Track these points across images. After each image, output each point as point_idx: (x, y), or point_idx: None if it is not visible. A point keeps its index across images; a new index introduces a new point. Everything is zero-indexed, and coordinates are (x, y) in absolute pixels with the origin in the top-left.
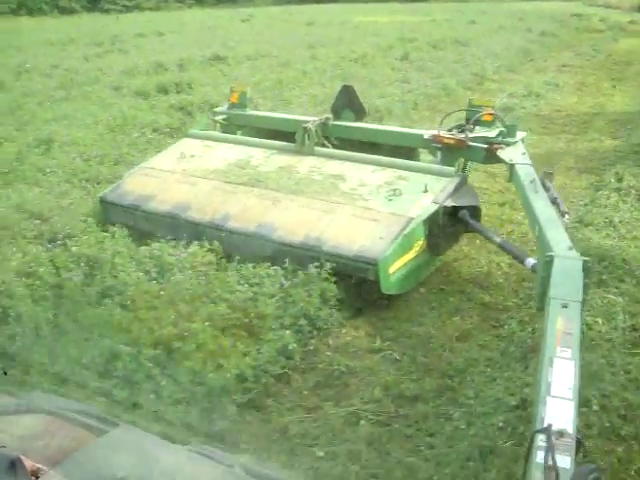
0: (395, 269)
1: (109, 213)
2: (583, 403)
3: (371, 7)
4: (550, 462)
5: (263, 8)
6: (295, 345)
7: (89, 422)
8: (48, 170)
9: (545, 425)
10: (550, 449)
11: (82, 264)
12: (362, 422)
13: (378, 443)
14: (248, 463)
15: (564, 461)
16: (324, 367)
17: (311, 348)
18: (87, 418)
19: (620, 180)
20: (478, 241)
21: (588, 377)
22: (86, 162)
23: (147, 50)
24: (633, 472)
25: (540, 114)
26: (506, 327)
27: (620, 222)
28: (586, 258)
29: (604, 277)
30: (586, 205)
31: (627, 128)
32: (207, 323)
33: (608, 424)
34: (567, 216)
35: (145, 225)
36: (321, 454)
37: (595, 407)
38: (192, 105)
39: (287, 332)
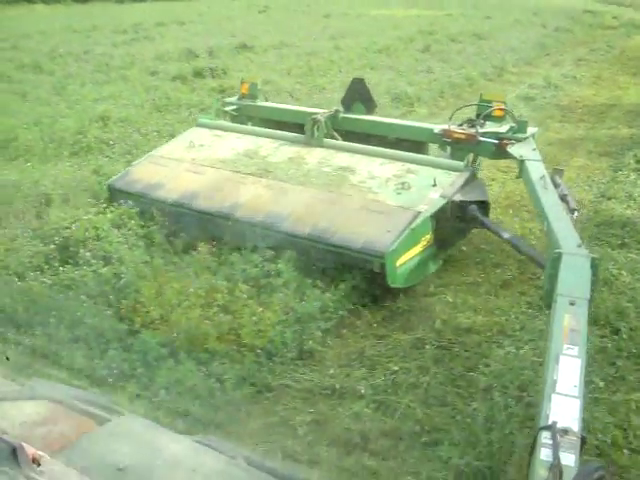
0: (402, 262)
1: (117, 200)
2: (614, 331)
3: (384, 0)
4: (554, 459)
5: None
6: (364, 286)
7: (92, 410)
8: (111, 142)
9: (550, 422)
10: (555, 446)
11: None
12: (427, 346)
13: (442, 362)
14: (250, 455)
15: (568, 459)
16: (388, 305)
17: (376, 291)
18: (90, 406)
19: (638, 162)
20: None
21: (617, 314)
22: (144, 136)
23: (172, 38)
24: None
25: (560, 104)
26: (541, 278)
27: (639, 196)
28: (595, 255)
29: (626, 240)
30: (608, 182)
31: None
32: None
33: (635, 350)
34: (576, 213)
35: (153, 213)
36: (396, 368)
37: (624, 335)
38: (233, 88)
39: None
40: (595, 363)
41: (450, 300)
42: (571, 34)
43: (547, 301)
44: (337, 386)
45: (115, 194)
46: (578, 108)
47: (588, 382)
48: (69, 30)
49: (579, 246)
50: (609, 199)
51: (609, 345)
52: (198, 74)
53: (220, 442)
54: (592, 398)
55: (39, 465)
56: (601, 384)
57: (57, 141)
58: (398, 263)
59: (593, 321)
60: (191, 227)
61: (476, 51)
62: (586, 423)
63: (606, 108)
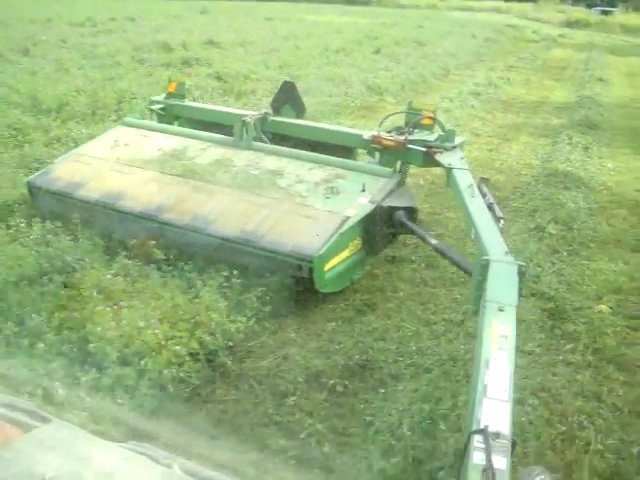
0: (330, 267)
1: (37, 198)
2: (569, 228)
3: (315, 7)
4: (487, 463)
5: (213, 2)
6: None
7: (17, 417)
8: None
9: (482, 426)
10: (487, 450)
11: None
12: None
13: None
14: (187, 462)
15: (500, 462)
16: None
17: None
18: (14, 412)
19: (570, 139)
20: None
21: (570, 219)
22: None
23: (133, 33)
24: None
25: (500, 99)
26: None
27: (574, 159)
28: (521, 263)
29: (568, 185)
30: (549, 152)
31: (568, 112)
32: None
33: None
34: (502, 221)
35: (75, 213)
36: None
37: (575, 229)
38: (227, 75)
39: None
40: (560, 245)
41: None
42: (499, 44)
43: (475, 307)
44: None
45: (35, 192)
46: (516, 103)
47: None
48: (25, 20)
49: (506, 254)
50: (552, 161)
51: (567, 235)
52: (186, 63)
53: (155, 450)
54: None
55: None
56: (565, 253)
57: (102, 107)
58: (326, 267)
59: (560, 221)
60: (115, 228)
61: (421, 55)
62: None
63: (538, 104)
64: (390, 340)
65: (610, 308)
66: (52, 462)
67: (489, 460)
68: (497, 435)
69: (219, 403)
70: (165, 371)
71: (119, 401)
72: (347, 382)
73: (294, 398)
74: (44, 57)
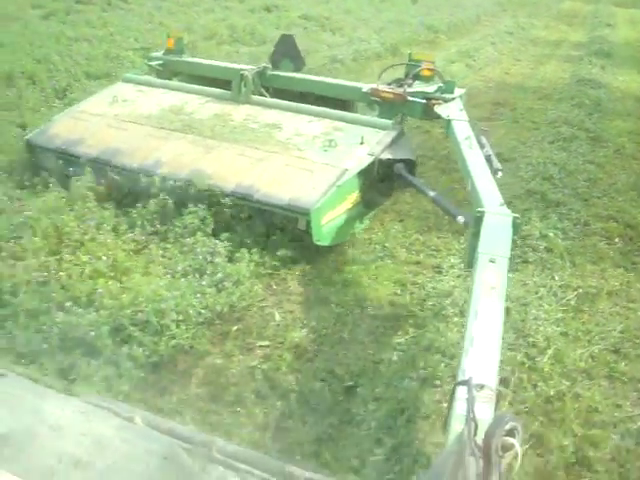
0: (328, 220)
1: (36, 156)
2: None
3: None
4: (470, 413)
5: None
6: None
7: None
8: None
9: (467, 378)
10: (470, 401)
11: None
12: None
13: None
14: (149, 415)
15: (484, 413)
16: None
17: None
18: None
19: (590, 62)
20: None
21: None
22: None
23: None
24: None
25: (528, 38)
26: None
27: (594, 73)
28: (516, 215)
29: (592, 86)
30: (575, 70)
31: (585, 47)
32: None
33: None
34: (500, 173)
35: (74, 170)
36: None
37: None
38: (313, 18)
39: None
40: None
41: None
42: None
43: (469, 259)
44: None
45: (34, 150)
46: (541, 41)
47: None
48: None
49: (501, 205)
50: (578, 73)
51: (596, 107)
52: (267, 9)
53: (116, 403)
54: None
55: None
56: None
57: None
58: (324, 221)
59: (590, 102)
60: (114, 183)
61: (454, 4)
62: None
63: (559, 42)
64: None
65: None
66: (5, 417)
67: (471, 410)
68: (482, 386)
69: None
70: None
71: None
72: None
73: None
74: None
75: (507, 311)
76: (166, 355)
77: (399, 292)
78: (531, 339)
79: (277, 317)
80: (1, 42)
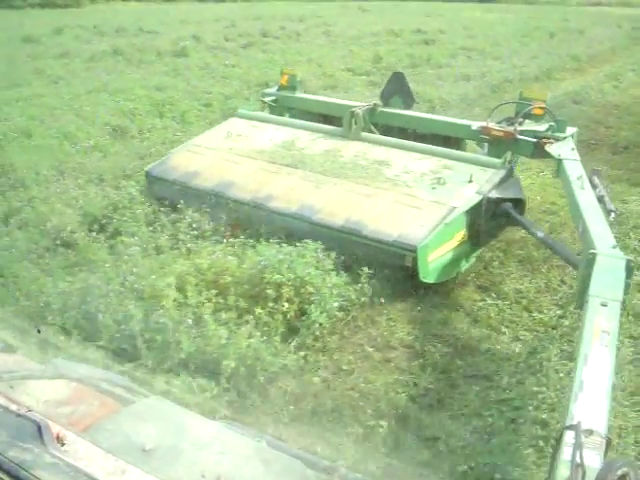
0: (434, 257)
1: (154, 187)
2: None
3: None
4: (578, 460)
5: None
6: None
7: (116, 391)
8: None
9: (575, 422)
10: (578, 446)
11: None
12: None
13: None
14: (274, 440)
15: (593, 459)
16: None
17: None
18: (114, 387)
19: None
20: None
21: None
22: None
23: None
24: None
25: None
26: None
27: None
28: (629, 257)
29: None
30: None
31: None
32: None
33: None
34: (613, 214)
35: (190, 201)
36: None
37: None
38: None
39: None
40: None
41: None
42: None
43: (579, 302)
44: None
45: (152, 181)
46: None
47: None
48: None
49: (614, 247)
50: None
51: None
52: (425, 43)
53: (244, 427)
54: None
55: (63, 444)
56: None
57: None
58: (430, 258)
59: None
60: (226, 216)
61: (586, 40)
62: None
63: None
64: None
65: None
66: (151, 434)
67: (580, 456)
68: (591, 432)
69: None
70: None
71: None
72: None
73: None
74: (311, 42)
75: None
76: None
77: None
78: None
79: None
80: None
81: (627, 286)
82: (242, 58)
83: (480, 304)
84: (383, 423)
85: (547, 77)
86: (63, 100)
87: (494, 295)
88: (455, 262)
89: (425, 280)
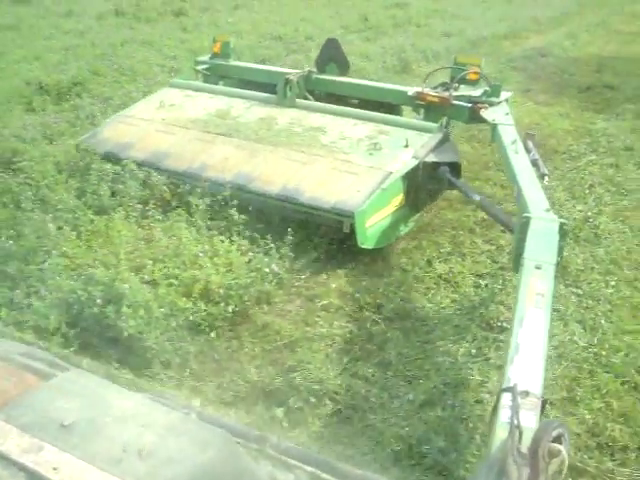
0: (372, 223)
1: (85, 160)
2: None
3: None
4: (515, 421)
5: None
6: None
7: (36, 365)
8: None
9: (511, 385)
10: (515, 408)
11: None
12: None
13: None
14: (204, 412)
15: (529, 420)
16: None
17: None
18: (33, 361)
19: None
20: None
21: None
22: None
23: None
24: None
25: (613, 29)
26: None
27: None
28: (563, 220)
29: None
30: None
31: None
32: None
33: None
34: (547, 178)
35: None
36: None
37: None
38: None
39: None
40: None
41: None
42: None
43: (515, 264)
44: None
45: (83, 154)
46: (622, 32)
47: None
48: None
49: (548, 211)
50: None
51: None
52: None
53: (172, 398)
54: None
55: None
56: None
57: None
58: (368, 223)
59: None
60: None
61: (543, 2)
62: None
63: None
64: None
65: None
66: (70, 409)
67: (516, 418)
68: (527, 393)
69: None
70: None
71: None
72: None
73: None
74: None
75: None
76: None
77: None
78: None
79: None
80: None
81: (561, 249)
82: (236, 18)
83: None
84: None
85: (514, 36)
86: (104, 49)
87: None
88: (394, 227)
89: (364, 246)
